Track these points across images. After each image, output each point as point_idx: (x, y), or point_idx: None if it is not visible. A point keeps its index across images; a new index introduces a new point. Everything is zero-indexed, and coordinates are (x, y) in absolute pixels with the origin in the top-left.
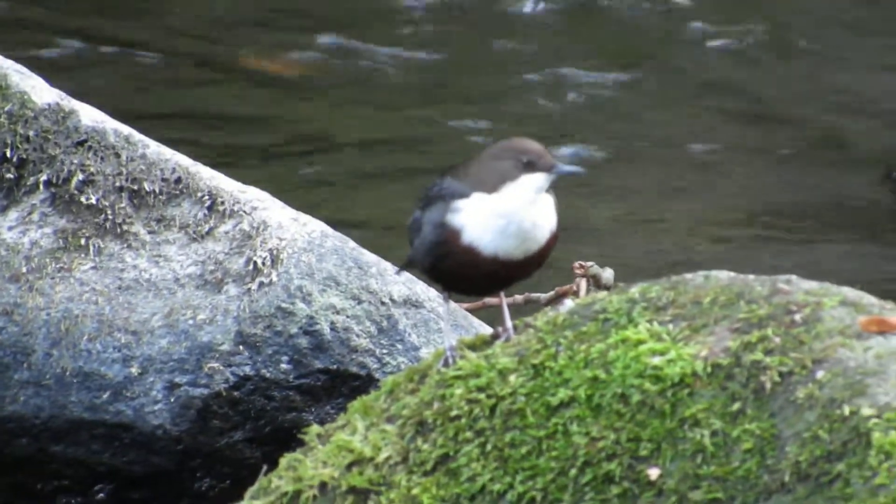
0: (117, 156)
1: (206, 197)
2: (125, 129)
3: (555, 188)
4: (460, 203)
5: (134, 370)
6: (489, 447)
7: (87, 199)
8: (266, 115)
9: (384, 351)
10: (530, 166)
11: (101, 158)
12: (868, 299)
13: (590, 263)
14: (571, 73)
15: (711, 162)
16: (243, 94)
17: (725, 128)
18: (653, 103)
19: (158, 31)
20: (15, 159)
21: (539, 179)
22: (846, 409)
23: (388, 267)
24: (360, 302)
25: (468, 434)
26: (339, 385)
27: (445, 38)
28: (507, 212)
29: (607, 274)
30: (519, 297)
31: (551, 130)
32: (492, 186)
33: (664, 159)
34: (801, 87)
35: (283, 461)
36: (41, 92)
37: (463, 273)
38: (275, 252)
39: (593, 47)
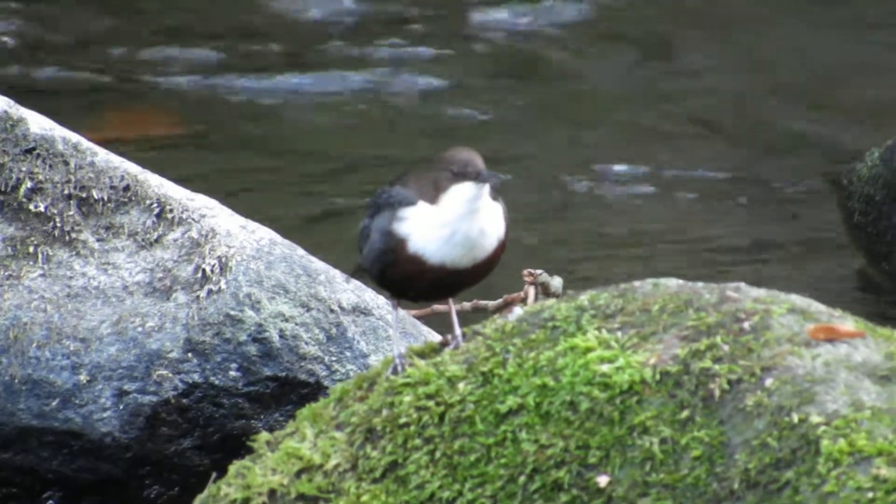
0: (66, 163)
1: (155, 205)
2: (74, 137)
3: (501, 195)
4: (406, 211)
5: (83, 377)
6: (438, 454)
7: (36, 206)
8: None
9: (333, 358)
10: (459, 176)
11: (50, 166)
12: (816, 307)
13: (539, 271)
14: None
15: (663, 178)
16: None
17: (673, 141)
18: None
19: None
20: None
21: (468, 188)
22: (795, 417)
23: (338, 274)
24: (308, 309)
25: (417, 441)
26: (288, 392)
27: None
28: (449, 221)
29: (556, 282)
30: (467, 304)
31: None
32: (432, 196)
33: (613, 176)
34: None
35: (232, 468)
36: None
37: (411, 281)
38: (223, 259)
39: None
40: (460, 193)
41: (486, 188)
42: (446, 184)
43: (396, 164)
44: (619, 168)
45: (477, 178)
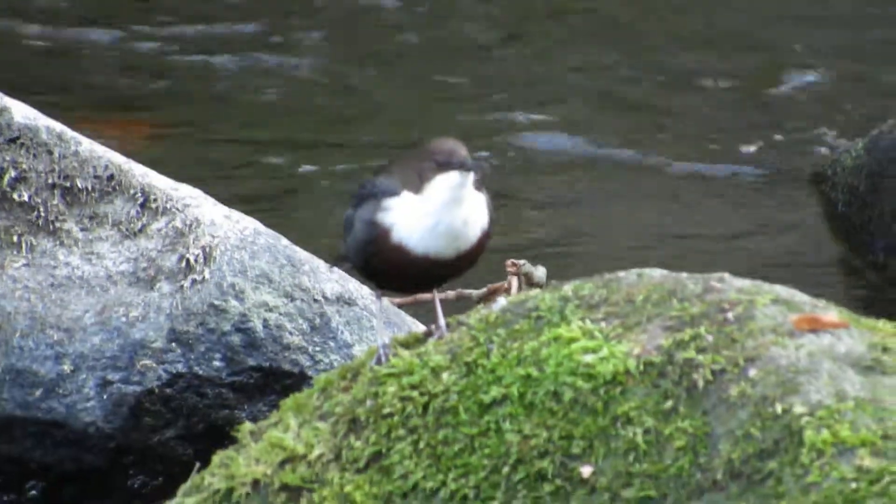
0: (50, 153)
1: (139, 194)
2: (58, 127)
3: (486, 185)
4: (390, 201)
5: (66, 367)
6: (422, 445)
7: (20, 196)
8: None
9: (317, 349)
10: (443, 166)
11: (34, 156)
12: (800, 297)
13: (522, 261)
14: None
15: (647, 167)
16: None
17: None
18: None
19: None
20: None
21: (452, 178)
22: (778, 408)
23: (321, 264)
24: (292, 299)
25: (401, 432)
26: (272, 383)
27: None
28: (433, 211)
29: (539, 272)
30: (451, 294)
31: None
32: (417, 186)
33: (605, 166)
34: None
35: (216, 458)
36: None
37: (394, 271)
38: (207, 249)
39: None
40: (445, 183)
41: (471, 178)
42: (430, 174)
43: (389, 149)
44: (603, 155)
45: (461, 167)
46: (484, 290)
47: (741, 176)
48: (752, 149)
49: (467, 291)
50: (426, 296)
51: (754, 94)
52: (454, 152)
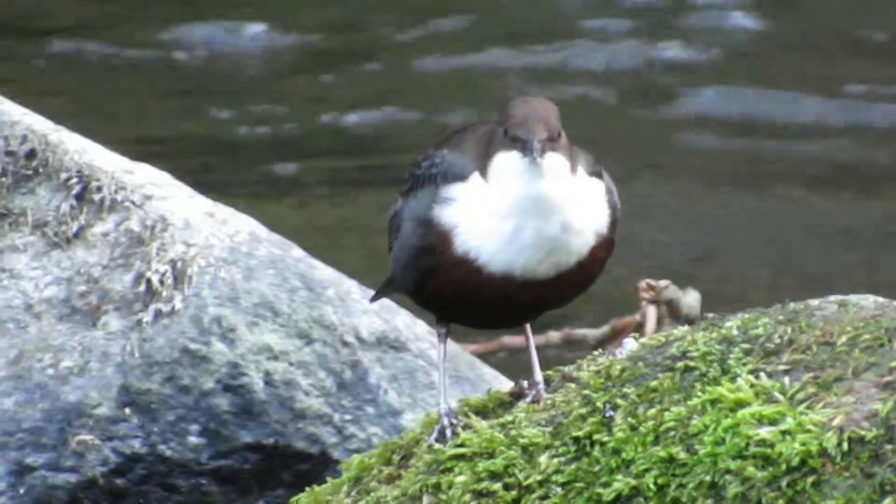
0: None
1: (75, 180)
2: None
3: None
4: (454, 189)
5: None
6: None
7: None
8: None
9: (347, 416)
10: (510, 140)
11: None
12: None
13: (664, 283)
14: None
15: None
16: None
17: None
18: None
19: None
20: None
21: (511, 161)
22: None
23: (354, 288)
24: (309, 342)
25: None
26: (279, 469)
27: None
28: (510, 210)
29: (690, 299)
30: (555, 335)
31: None
32: (483, 167)
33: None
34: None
35: None
36: None
37: (463, 297)
38: (179, 265)
39: None
40: (505, 166)
41: (546, 163)
42: (494, 148)
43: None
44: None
45: (524, 148)
46: (605, 327)
47: None
48: None
49: (580, 331)
50: (515, 338)
51: None
52: (525, 122)
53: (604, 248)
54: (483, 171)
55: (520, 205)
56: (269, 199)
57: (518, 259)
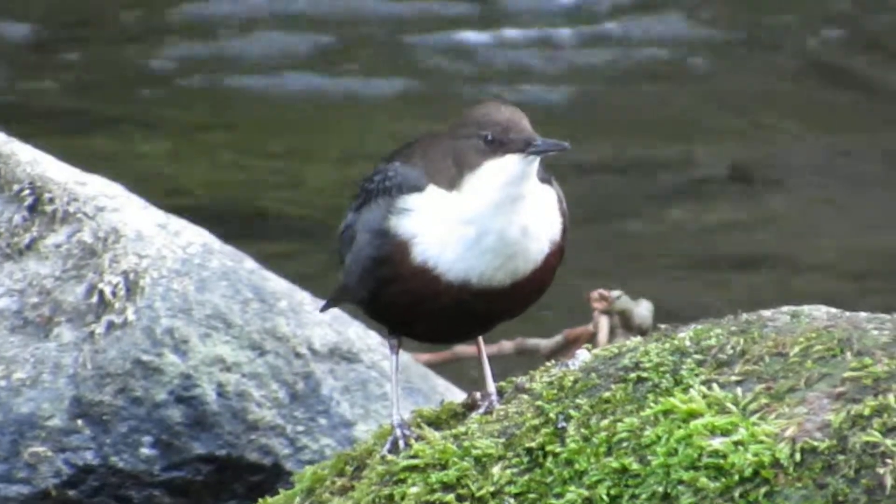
0: None
1: (27, 191)
2: None
3: (554, 172)
4: (410, 200)
5: None
6: None
7: None
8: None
9: (300, 428)
10: (497, 146)
11: None
12: None
13: (616, 293)
14: None
15: (793, 185)
16: None
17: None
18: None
19: None
20: None
21: (510, 165)
22: None
23: (307, 299)
24: (262, 353)
25: None
26: (231, 480)
27: None
28: (476, 215)
29: (641, 309)
30: (508, 345)
31: None
32: (451, 177)
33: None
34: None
35: None
36: None
37: (418, 307)
38: (132, 276)
39: None
40: (501, 173)
41: (536, 165)
42: (477, 158)
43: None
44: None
45: (526, 147)
46: (558, 338)
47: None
48: None
49: (532, 341)
50: (467, 348)
51: None
52: (513, 125)
53: (556, 256)
54: (446, 182)
55: (495, 208)
56: None
57: (477, 266)
